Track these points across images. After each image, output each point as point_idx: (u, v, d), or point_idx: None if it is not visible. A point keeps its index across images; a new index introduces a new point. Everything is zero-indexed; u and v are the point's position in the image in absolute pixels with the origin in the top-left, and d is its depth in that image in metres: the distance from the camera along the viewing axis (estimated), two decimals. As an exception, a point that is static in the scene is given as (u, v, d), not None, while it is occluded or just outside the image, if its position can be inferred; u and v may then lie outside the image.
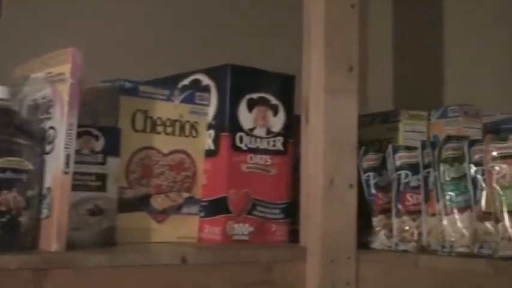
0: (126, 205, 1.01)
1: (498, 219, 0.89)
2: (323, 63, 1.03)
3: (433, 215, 0.98)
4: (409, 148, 1.04)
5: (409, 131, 1.19)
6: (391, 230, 1.03)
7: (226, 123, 1.08)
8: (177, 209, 1.07)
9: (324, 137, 1.02)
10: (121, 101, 1.03)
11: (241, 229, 1.07)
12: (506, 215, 0.89)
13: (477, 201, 0.93)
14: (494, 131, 1.23)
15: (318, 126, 1.03)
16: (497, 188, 0.89)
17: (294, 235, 1.09)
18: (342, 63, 1.05)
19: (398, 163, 1.03)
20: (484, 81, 1.39)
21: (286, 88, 1.14)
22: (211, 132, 1.09)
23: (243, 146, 1.08)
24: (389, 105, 1.49)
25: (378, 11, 1.55)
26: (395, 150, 1.03)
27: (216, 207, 1.07)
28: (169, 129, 1.07)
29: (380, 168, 1.07)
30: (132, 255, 0.89)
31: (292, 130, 1.13)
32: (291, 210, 1.12)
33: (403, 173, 1.02)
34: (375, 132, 1.23)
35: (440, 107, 1.22)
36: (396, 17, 1.56)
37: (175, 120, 1.07)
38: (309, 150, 1.04)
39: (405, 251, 1.00)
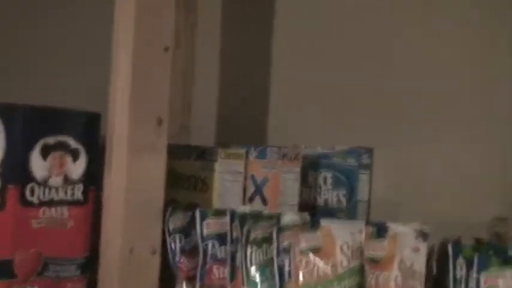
0: None
1: (302, 317, 0.83)
2: (127, 114, 0.91)
3: (238, 294, 0.91)
4: (218, 213, 0.96)
5: (225, 172, 1.11)
6: (195, 301, 0.96)
7: (15, 174, 0.93)
8: (-48, 273, 0.92)
9: (125, 199, 0.92)
10: None
11: (29, 293, 0.95)
12: (310, 314, 0.83)
13: (282, 292, 0.87)
14: (314, 166, 1.19)
15: (119, 187, 0.92)
16: (303, 284, 0.84)
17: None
18: (150, 116, 0.93)
19: (205, 232, 0.95)
20: (310, 117, 1.33)
21: (90, 128, 1.01)
22: (-3, 182, 0.94)
23: (34, 199, 0.95)
24: (212, 140, 1.40)
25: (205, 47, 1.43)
26: (203, 216, 0.95)
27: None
28: None
29: (188, 227, 0.99)
30: None
31: (95, 175, 1.01)
32: (90, 264, 1.01)
33: (210, 242, 0.95)
34: (191, 168, 1.14)
35: (259, 146, 1.14)
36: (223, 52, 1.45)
37: (-49, 171, 0.91)
38: (109, 214, 0.93)
39: (205, 328, 0.93)
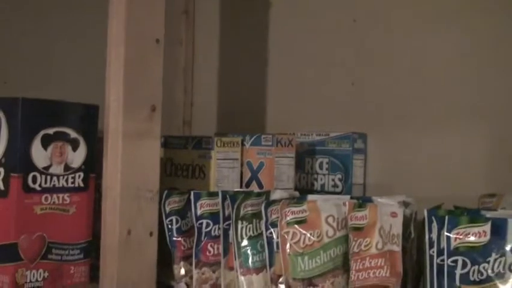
0: None
1: (290, 287, 0.87)
2: (122, 103, 0.96)
3: (232, 269, 0.95)
4: (211, 194, 1.00)
5: (222, 158, 1.15)
6: (192, 278, 1.00)
7: (17, 163, 0.99)
8: (-39, 257, 0.98)
9: (122, 184, 0.96)
10: None
11: (35, 276, 1.00)
12: (298, 283, 0.87)
13: (272, 263, 0.91)
14: (310, 152, 1.23)
15: (116, 172, 0.96)
16: (290, 253, 0.88)
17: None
18: (144, 103, 0.98)
19: (199, 212, 0.99)
20: (305, 106, 1.37)
21: (88, 120, 1.06)
22: (1, 170, 1.00)
23: (36, 186, 1.00)
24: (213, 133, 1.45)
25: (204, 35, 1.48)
26: (197, 197, 0.99)
27: (5, 254, 0.99)
28: (-50, 171, 0.96)
29: (184, 210, 1.03)
30: None
31: (94, 163, 1.06)
32: (93, 248, 1.06)
33: (204, 222, 0.99)
34: (187, 157, 1.18)
35: (256, 133, 1.18)
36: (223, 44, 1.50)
37: (-43, 161, 0.97)
38: (107, 197, 0.97)
39: (204, 303, 0.97)
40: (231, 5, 1.48)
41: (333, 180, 1.27)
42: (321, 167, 1.28)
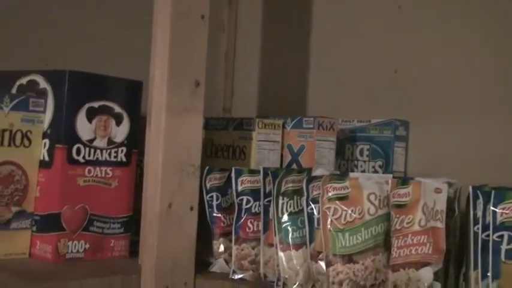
0: None
1: (330, 263, 0.87)
2: (166, 78, 0.97)
3: (271, 245, 0.95)
4: (252, 172, 1.00)
5: (263, 140, 1.16)
6: (231, 255, 1.00)
7: (62, 134, 1.00)
8: (5, 225, 1.00)
9: (164, 158, 0.97)
10: None
11: (76, 247, 1.02)
12: (338, 259, 0.87)
13: (312, 239, 0.90)
14: (351, 139, 1.22)
15: (158, 146, 0.97)
16: (331, 229, 0.87)
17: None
18: (188, 79, 0.99)
19: (240, 188, 0.99)
20: (349, 89, 1.36)
21: (131, 95, 1.07)
22: (46, 141, 1.02)
23: (80, 158, 1.01)
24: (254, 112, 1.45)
25: (247, 20, 1.48)
26: (238, 174, 0.99)
27: (49, 224, 1.00)
28: (-4, 140, 0.98)
29: (224, 187, 1.03)
30: None
31: (137, 139, 1.07)
32: (133, 223, 1.07)
33: (244, 198, 0.99)
34: (228, 138, 1.19)
35: (297, 116, 1.18)
36: (265, 27, 1.50)
37: (4, 130, 0.99)
38: (148, 171, 0.98)
39: (242, 280, 0.97)
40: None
41: (373, 167, 1.26)
42: (361, 154, 1.28)
